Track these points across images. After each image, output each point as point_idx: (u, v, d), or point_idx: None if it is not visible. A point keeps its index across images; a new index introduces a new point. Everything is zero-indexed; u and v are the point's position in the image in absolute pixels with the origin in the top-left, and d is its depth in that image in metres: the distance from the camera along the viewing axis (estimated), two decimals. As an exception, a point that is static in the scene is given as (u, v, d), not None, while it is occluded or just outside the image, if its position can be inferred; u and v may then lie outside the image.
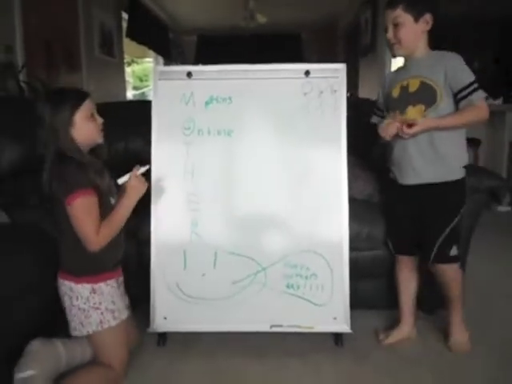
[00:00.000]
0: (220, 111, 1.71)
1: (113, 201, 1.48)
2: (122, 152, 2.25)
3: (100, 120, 1.46)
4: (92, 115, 1.43)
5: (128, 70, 9.80)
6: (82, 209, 1.33)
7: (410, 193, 1.64)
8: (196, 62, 7.87)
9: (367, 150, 1.97)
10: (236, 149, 1.71)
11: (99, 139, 1.47)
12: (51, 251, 1.48)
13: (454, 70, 1.52)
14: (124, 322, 1.48)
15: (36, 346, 1.37)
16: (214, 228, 1.70)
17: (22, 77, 2.48)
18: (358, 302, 1.73)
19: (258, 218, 1.70)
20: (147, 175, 1.55)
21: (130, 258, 1.79)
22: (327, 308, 1.68)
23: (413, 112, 1.57)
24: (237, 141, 1.71)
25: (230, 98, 1.71)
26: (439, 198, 1.60)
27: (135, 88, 11.19)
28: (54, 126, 1.35)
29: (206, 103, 1.71)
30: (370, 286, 1.91)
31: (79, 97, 1.40)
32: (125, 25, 5.07)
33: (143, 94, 10.20)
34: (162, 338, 1.74)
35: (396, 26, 1.56)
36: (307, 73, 1.69)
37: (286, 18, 6.39)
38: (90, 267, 1.42)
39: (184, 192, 1.71)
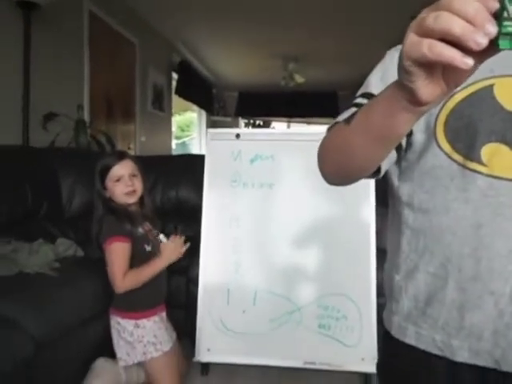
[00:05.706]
0: (263, 167, 1.96)
1: (148, 248, 1.63)
2: (173, 199, 2.54)
3: (125, 183, 1.60)
4: (118, 179, 1.60)
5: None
6: (114, 253, 1.52)
7: None
8: (236, 116, 8.37)
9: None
10: (276, 200, 1.95)
11: (128, 200, 1.62)
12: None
13: None
14: (169, 352, 1.62)
15: (100, 363, 1.59)
16: (255, 269, 1.91)
17: (88, 132, 2.86)
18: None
19: (295, 262, 1.90)
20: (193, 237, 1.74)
21: (179, 294, 2.01)
22: (356, 349, 1.83)
23: None
24: (277, 193, 1.95)
25: (272, 157, 1.97)
26: None
27: (177, 137, 11.81)
28: (96, 191, 1.63)
29: (252, 160, 1.97)
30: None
31: (106, 165, 1.61)
32: (174, 83, 5.56)
33: (184, 143, 10.69)
34: (205, 368, 1.92)
35: None
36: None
37: (322, 77, 6.79)
38: (133, 306, 1.59)
39: (229, 237, 1.94)
